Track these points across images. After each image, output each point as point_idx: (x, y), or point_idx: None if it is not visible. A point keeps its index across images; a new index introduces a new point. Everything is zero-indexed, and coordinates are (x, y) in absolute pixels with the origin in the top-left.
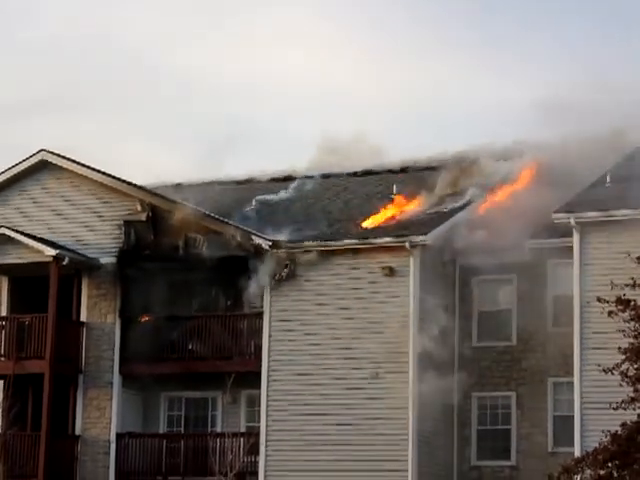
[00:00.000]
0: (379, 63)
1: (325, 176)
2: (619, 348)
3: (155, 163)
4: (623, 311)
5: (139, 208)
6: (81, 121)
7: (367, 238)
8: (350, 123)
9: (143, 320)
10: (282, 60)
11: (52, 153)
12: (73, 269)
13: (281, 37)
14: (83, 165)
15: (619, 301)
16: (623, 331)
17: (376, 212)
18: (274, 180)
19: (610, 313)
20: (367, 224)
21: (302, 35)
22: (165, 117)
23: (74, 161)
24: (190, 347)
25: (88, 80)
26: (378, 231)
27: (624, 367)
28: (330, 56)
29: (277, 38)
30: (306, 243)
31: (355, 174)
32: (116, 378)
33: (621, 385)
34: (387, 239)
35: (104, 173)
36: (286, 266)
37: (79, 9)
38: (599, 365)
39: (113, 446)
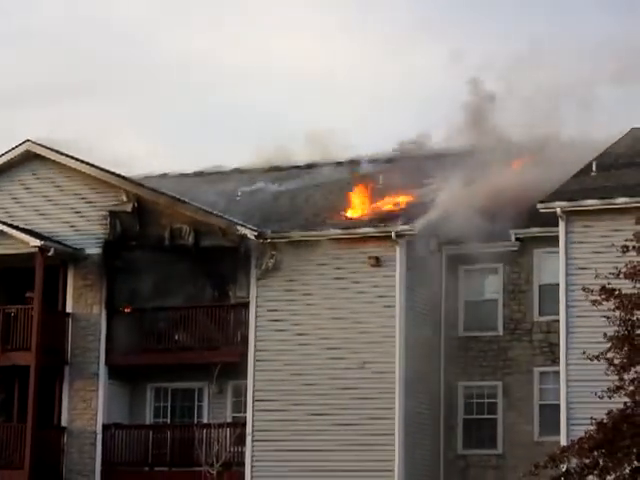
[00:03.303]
0: (379, 53)
1: (310, 166)
2: (604, 335)
3: (144, 153)
4: (607, 300)
5: (125, 199)
6: (69, 110)
7: (353, 228)
8: (343, 112)
9: (129, 311)
10: (279, 49)
11: (37, 144)
12: (58, 260)
13: (279, 26)
14: (68, 156)
15: (603, 290)
16: (608, 318)
17: (362, 202)
18: (260, 170)
19: (594, 302)
20: (353, 214)
21: (302, 25)
22: (156, 105)
23: (59, 152)
24: (176, 338)
25: (76, 68)
26: (364, 221)
27: (610, 355)
28: (328, 45)
29: (276, 27)
30: (292, 233)
31: (341, 164)
32: (102, 369)
33: (607, 374)
34: (373, 229)
35: (89, 164)
36: (272, 256)
37: None
38: (584, 352)
39: (99, 437)
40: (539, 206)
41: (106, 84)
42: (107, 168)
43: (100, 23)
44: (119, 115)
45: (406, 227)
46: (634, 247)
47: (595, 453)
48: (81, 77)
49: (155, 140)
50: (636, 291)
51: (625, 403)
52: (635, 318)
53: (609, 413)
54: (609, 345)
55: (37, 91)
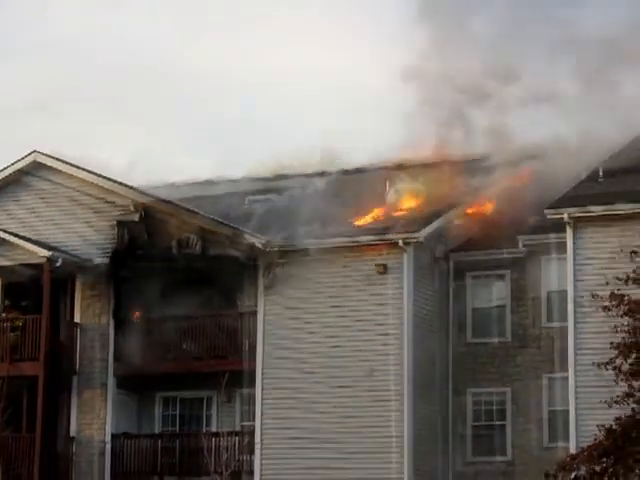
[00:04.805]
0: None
1: (318, 174)
2: (611, 343)
3: (153, 162)
4: (617, 306)
5: (132, 208)
6: (79, 120)
7: (360, 236)
8: (352, 121)
9: (137, 320)
10: (284, 60)
11: (44, 154)
12: (66, 270)
13: (285, 37)
14: (75, 166)
15: (613, 297)
16: (616, 327)
17: (369, 210)
18: (267, 179)
19: (605, 308)
20: (360, 222)
21: (307, 36)
22: (165, 116)
23: (66, 162)
24: (184, 347)
25: (89, 79)
26: (371, 229)
27: (618, 362)
28: (333, 56)
29: (281, 38)
30: (299, 242)
31: (347, 172)
32: (110, 379)
33: (615, 382)
34: (380, 237)
35: (96, 174)
36: (279, 265)
37: (84, 9)
38: (594, 363)
39: (108, 447)
40: (547, 212)
41: (105, 97)
42: (113, 178)
43: (112, 37)
44: (131, 128)
45: (413, 234)
46: None
47: (604, 460)
48: (79, 90)
49: (167, 150)
50: None
51: (633, 409)
52: None
53: (618, 420)
54: (617, 352)
55: (50, 103)
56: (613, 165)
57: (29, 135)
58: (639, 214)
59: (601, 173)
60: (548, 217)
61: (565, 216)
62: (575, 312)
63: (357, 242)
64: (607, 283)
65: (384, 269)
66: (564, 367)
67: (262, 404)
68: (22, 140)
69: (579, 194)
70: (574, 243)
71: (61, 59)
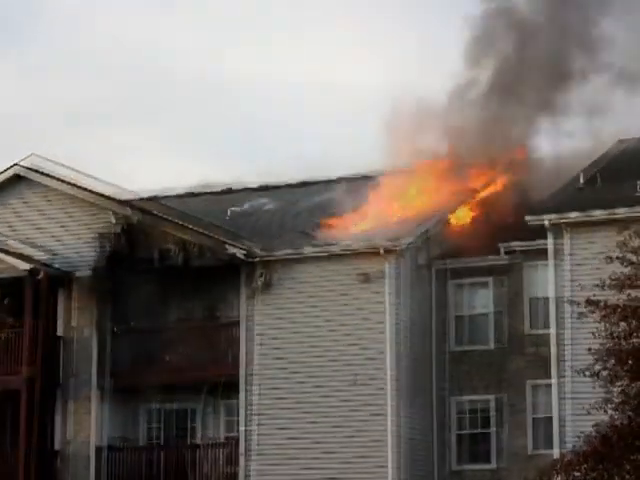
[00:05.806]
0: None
1: (303, 184)
2: (608, 350)
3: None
4: (612, 313)
5: (114, 220)
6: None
7: (342, 245)
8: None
9: (121, 331)
10: (284, 62)
11: (25, 167)
12: (50, 282)
13: (288, 39)
14: (56, 178)
15: (607, 306)
16: (612, 333)
17: (351, 218)
18: (259, 184)
19: (603, 317)
20: (342, 230)
21: (309, 37)
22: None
23: (47, 175)
24: (168, 358)
25: (87, 82)
26: (354, 237)
27: (615, 369)
28: (335, 57)
29: (284, 40)
30: (281, 251)
31: (330, 181)
32: (95, 390)
33: (608, 386)
34: (362, 245)
35: (78, 186)
36: (262, 275)
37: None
38: (588, 369)
39: (94, 458)
40: (545, 217)
41: (118, 101)
42: (95, 190)
43: (111, 37)
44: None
45: (395, 242)
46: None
47: (601, 466)
48: (91, 93)
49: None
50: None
51: (629, 416)
52: None
53: (612, 426)
54: (612, 359)
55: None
56: (609, 171)
57: (24, 140)
58: (636, 218)
59: (599, 179)
60: (546, 223)
61: (562, 222)
62: (572, 317)
63: (339, 251)
64: (603, 287)
65: (367, 277)
66: (549, 374)
67: (247, 415)
68: (16, 145)
69: (575, 198)
70: (570, 248)
71: (60, 61)
